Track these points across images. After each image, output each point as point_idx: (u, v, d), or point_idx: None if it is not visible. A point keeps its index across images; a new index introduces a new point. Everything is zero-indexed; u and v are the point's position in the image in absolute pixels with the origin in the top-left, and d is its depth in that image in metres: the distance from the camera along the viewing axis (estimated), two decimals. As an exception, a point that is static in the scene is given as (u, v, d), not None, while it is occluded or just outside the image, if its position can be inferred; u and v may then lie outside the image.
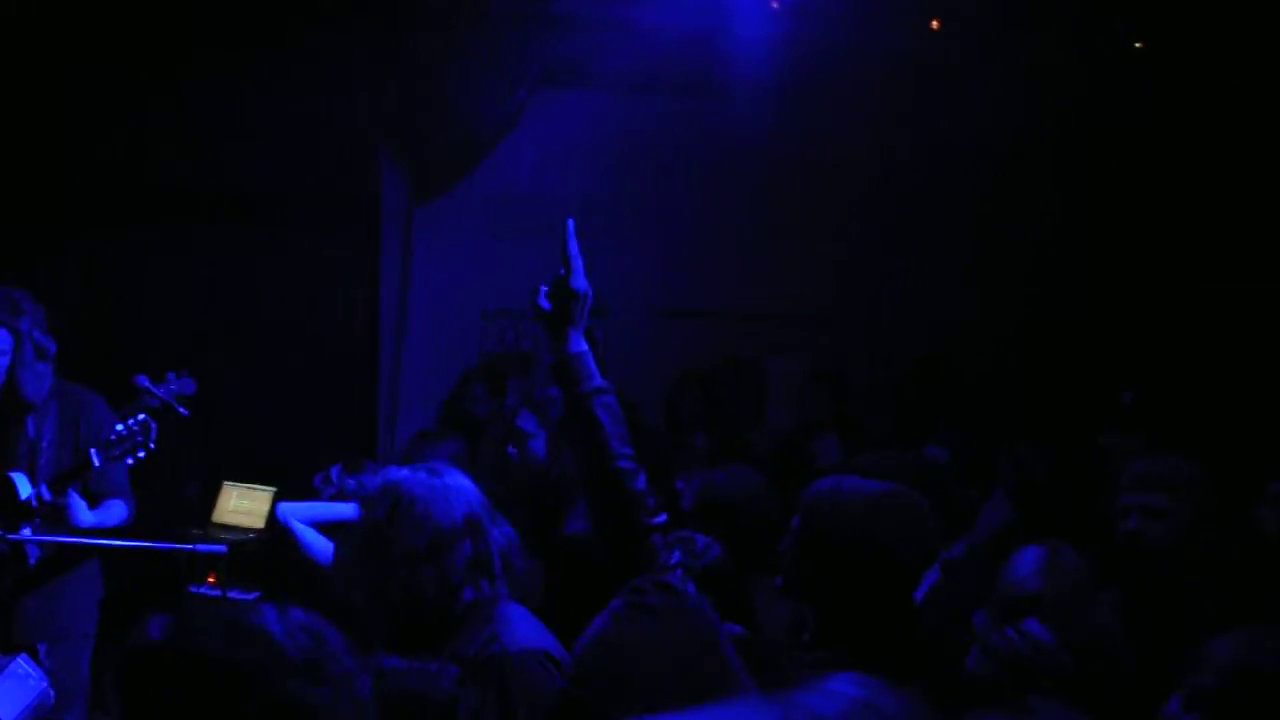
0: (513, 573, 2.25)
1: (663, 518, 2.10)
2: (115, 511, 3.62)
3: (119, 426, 3.26)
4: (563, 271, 2.14)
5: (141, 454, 3.26)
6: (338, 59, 5.07)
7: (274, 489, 4.59)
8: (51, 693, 2.83)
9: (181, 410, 3.59)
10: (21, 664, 2.73)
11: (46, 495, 3.29)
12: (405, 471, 2.25)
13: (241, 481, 4.67)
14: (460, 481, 2.20)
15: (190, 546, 3.82)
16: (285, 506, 4.04)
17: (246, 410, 4.80)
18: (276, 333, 5.18)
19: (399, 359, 5.38)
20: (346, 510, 3.95)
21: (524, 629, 2.16)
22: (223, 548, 3.67)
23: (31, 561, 3.40)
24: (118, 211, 5.08)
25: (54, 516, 3.33)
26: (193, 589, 4.49)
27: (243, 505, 4.66)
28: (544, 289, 2.15)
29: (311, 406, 5.09)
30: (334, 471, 4.37)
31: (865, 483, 2.08)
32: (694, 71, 5.53)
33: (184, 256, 5.19)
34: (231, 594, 4.44)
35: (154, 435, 3.26)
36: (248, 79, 5.04)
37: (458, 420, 4.98)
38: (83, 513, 3.48)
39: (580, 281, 2.15)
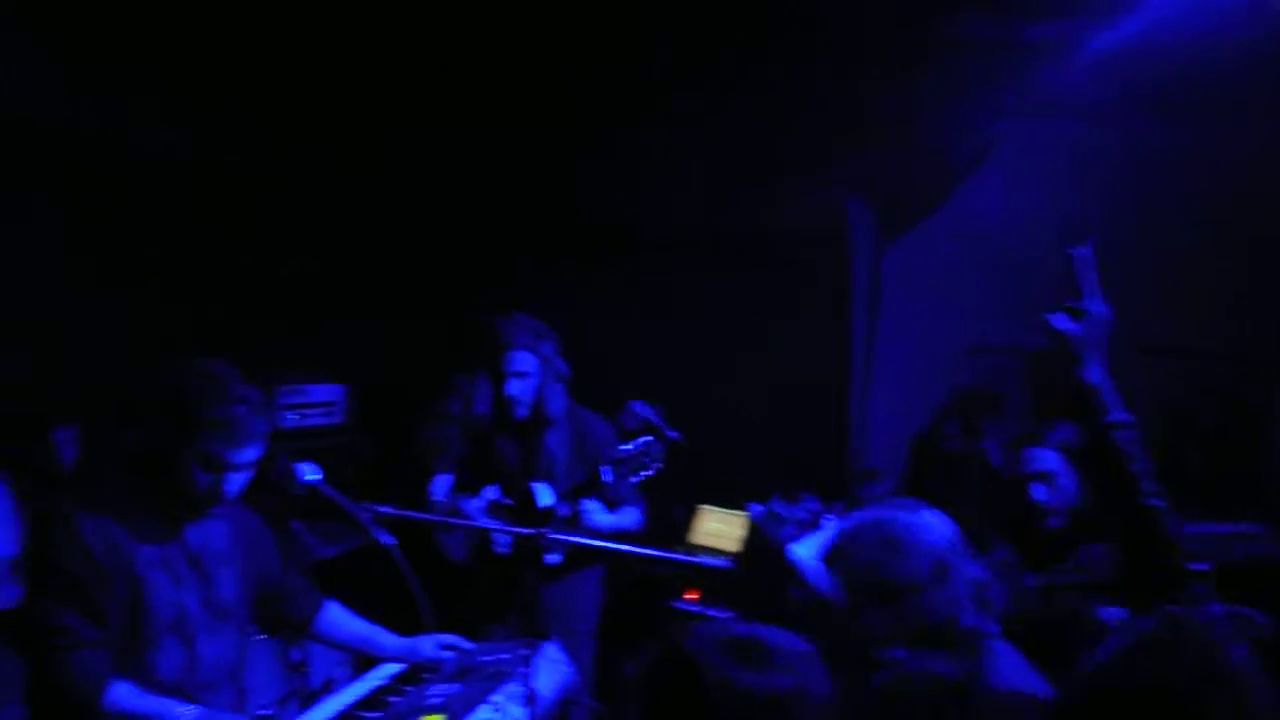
0: (993, 608, 2.24)
1: (1205, 566, 1.97)
2: (630, 516, 3.98)
3: (628, 446, 3.53)
4: (1075, 299, 2.09)
5: (648, 473, 3.55)
6: (804, 93, 5.28)
7: (749, 515, 4.86)
8: (578, 679, 3.20)
9: (672, 434, 3.87)
10: (553, 650, 3.12)
11: (564, 508, 3.70)
12: (879, 510, 2.29)
13: (718, 506, 5.01)
14: (940, 515, 2.22)
15: (700, 560, 4.13)
16: (796, 549, 4.27)
17: (722, 440, 5.11)
18: (751, 367, 5.47)
19: (867, 395, 5.47)
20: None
21: (1012, 669, 2.13)
22: (727, 563, 3.91)
23: (551, 562, 3.83)
24: (612, 251, 5.64)
25: (571, 524, 3.72)
26: (675, 604, 4.87)
27: (718, 529, 4.99)
28: (1053, 316, 2.11)
29: (783, 440, 5.31)
30: (777, 506, 4.55)
31: None
32: (1179, 93, 5.12)
33: (665, 295, 5.64)
34: (710, 611, 4.77)
35: (659, 455, 3.55)
36: (715, 120, 5.40)
37: (928, 458, 4.97)
38: (599, 515, 3.86)
39: (1099, 306, 2.08)
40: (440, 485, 4.05)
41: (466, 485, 4.04)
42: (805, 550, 4.01)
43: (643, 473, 3.48)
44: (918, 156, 5.38)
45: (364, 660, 3.70)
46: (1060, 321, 2.10)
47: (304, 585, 3.05)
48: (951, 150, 5.34)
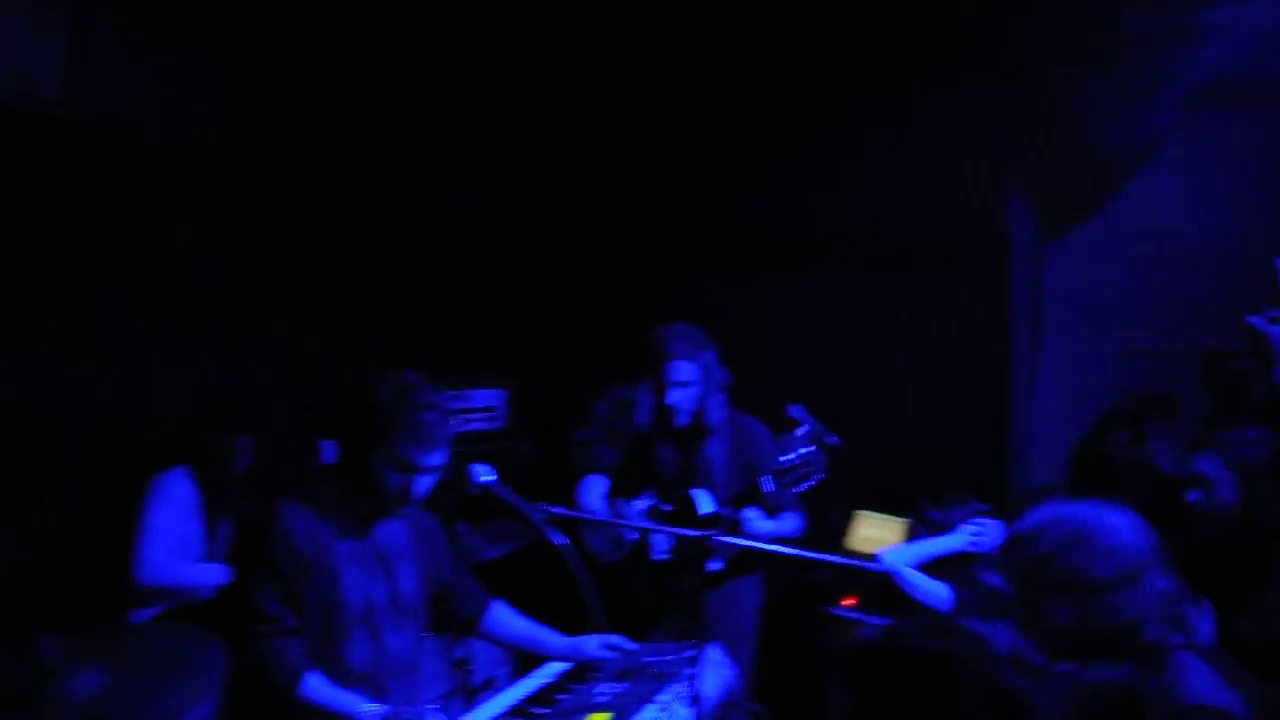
0: (1182, 622, 2.16)
1: None
2: (790, 522, 3.97)
3: (789, 456, 3.52)
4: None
5: (810, 483, 3.54)
6: (964, 97, 5.19)
7: (906, 521, 4.79)
8: (739, 681, 3.22)
9: (831, 439, 3.84)
10: (716, 652, 3.14)
11: (728, 513, 3.71)
12: (1069, 505, 2.24)
13: (875, 511, 4.95)
14: (1136, 520, 2.15)
15: (860, 563, 4.10)
16: (888, 553, 4.22)
17: (880, 445, 5.05)
18: (909, 372, 5.39)
19: (1030, 399, 5.33)
20: (951, 543, 4.05)
21: (1203, 683, 2.05)
22: (888, 568, 3.87)
23: (713, 568, 3.86)
24: (771, 257, 5.64)
25: (731, 531, 3.73)
26: (831, 610, 4.83)
27: (874, 534, 4.92)
28: (1254, 318, 2.04)
29: (943, 445, 5.22)
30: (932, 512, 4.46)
31: None
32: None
33: (824, 300, 5.61)
34: (867, 618, 4.71)
35: (821, 465, 3.53)
36: (876, 123, 5.35)
37: (1093, 463, 4.79)
38: (759, 522, 3.86)
39: None
40: (593, 491, 4.11)
41: (623, 491, 4.09)
42: (898, 557, 3.96)
43: (805, 483, 3.47)
44: (1082, 155, 5.22)
45: (524, 660, 3.79)
46: (1261, 324, 2.02)
47: (473, 585, 3.16)
48: (1117, 147, 5.15)
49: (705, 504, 3.84)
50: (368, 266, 5.42)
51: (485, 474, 2.77)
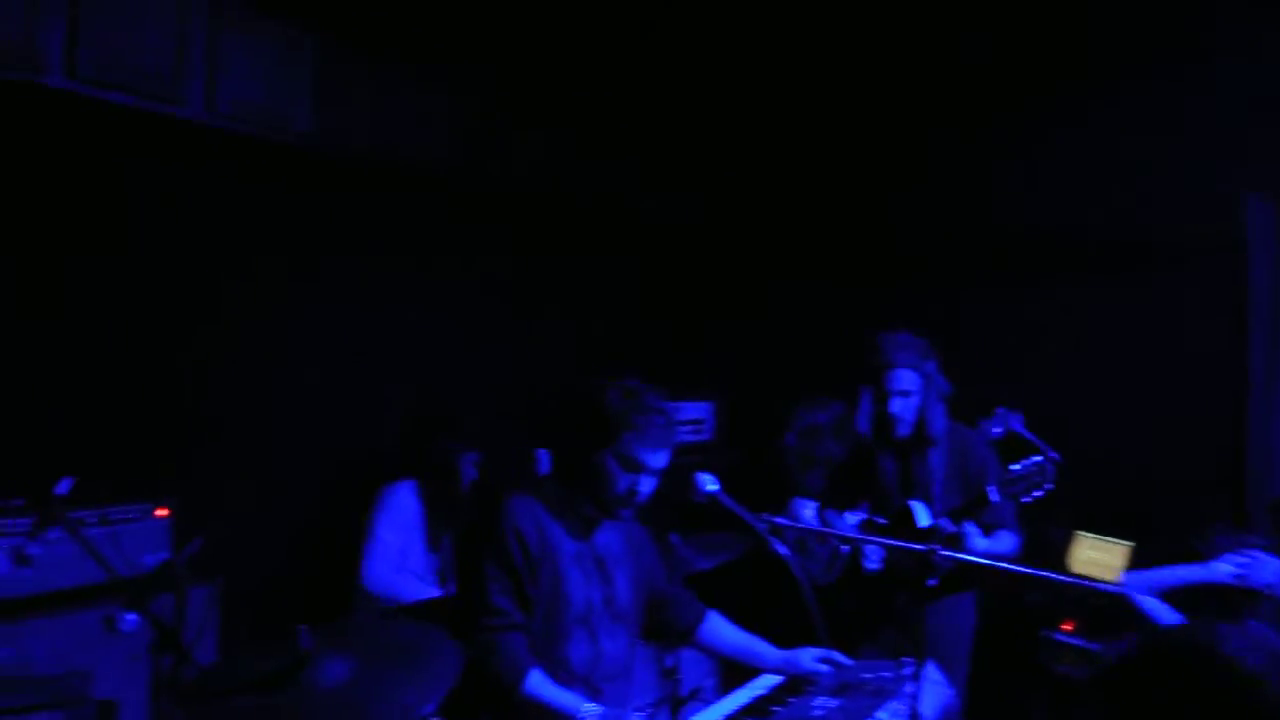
0: None
1: None
2: (1007, 541, 3.82)
3: (1018, 466, 3.43)
4: None
5: (1038, 494, 3.40)
6: (1198, 86, 4.91)
7: (1129, 544, 4.53)
8: (957, 702, 3.12)
9: (1052, 454, 3.68)
10: (934, 671, 3.05)
11: (947, 526, 3.61)
12: None
13: (1096, 533, 4.70)
14: None
15: (1099, 586, 3.92)
16: (1131, 578, 3.98)
17: (1102, 460, 4.81)
18: (1136, 382, 5.10)
19: (1269, 408, 4.95)
20: (1205, 574, 3.77)
21: None
22: (1131, 593, 3.69)
23: (930, 583, 3.75)
24: (981, 263, 5.46)
25: (950, 545, 3.62)
26: (1050, 634, 4.63)
27: (1094, 557, 4.68)
28: None
29: (1172, 459, 4.92)
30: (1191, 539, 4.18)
31: None
32: None
33: (1044, 306, 5.38)
34: (1088, 644, 4.49)
35: (1050, 475, 3.40)
36: (1104, 120, 5.12)
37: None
38: (977, 540, 3.74)
39: None
40: (802, 512, 4.08)
41: (836, 503, 4.04)
42: (1141, 583, 3.69)
43: (1033, 493, 3.34)
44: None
45: (731, 673, 3.80)
46: None
47: (688, 595, 3.20)
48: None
49: (923, 517, 3.75)
50: (580, 283, 5.58)
51: (710, 483, 2.81)
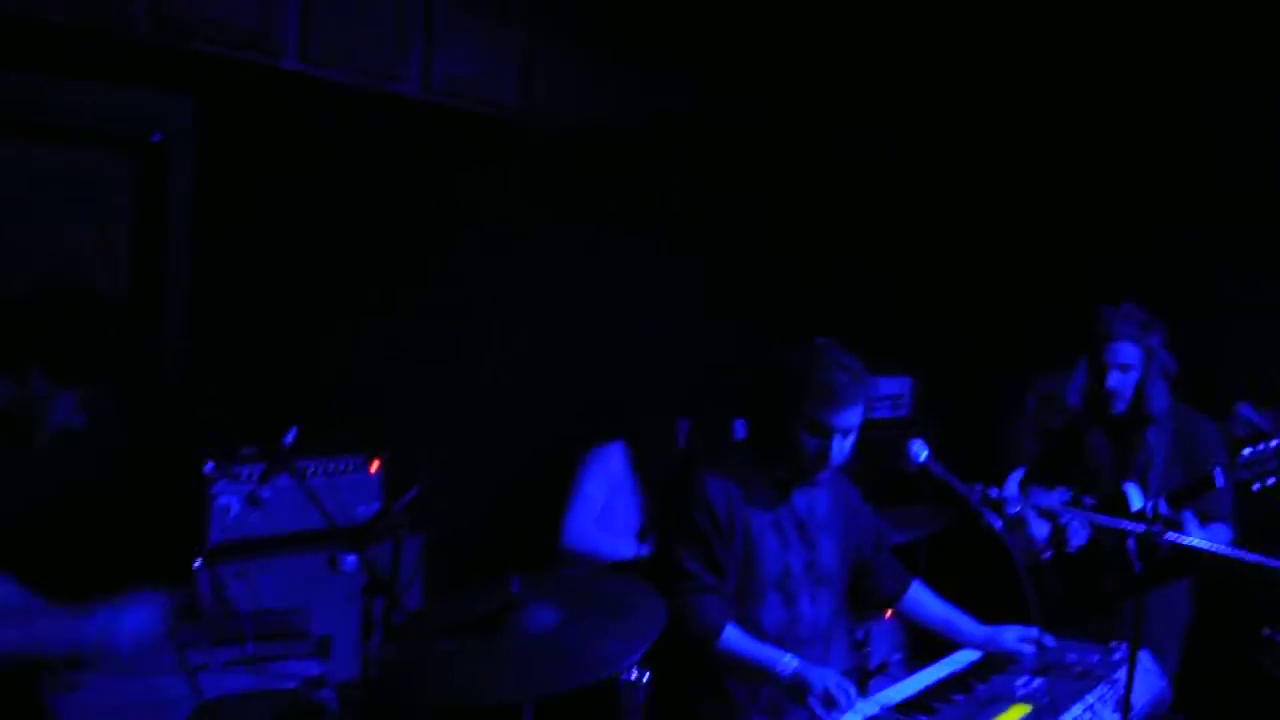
0: None
1: None
2: (1220, 534, 3.60)
3: (1248, 451, 3.22)
4: None
5: (1269, 481, 3.18)
6: None
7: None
8: (1169, 692, 2.98)
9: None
10: (1147, 659, 2.92)
11: (1164, 509, 3.40)
12: None
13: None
14: None
15: None
16: None
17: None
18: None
19: None
20: None
21: None
22: None
23: (1136, 570, 3.57)
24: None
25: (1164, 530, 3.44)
26: (1271, 634, 4.34)
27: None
28: None
29: None
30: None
31: None
32: None
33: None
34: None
35: None
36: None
37: None
38: (1192, 531, 3.53)
39: None
40: (1011, 480, 3.94)
41: (1041, 480, 3.89)
42: None
43: (1267, 480, 3.12)
44: None
45: (921, 649, 3.73)
46: None
47: (894, 563, 3.16)
48: None
49: (1136, 500, 3.57)
50: (772, 258, 5.56)
51: (923, 451, 2.74)
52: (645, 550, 4.12)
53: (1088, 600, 3.61)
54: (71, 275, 3.68)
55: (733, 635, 2.73)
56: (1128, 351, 3.64)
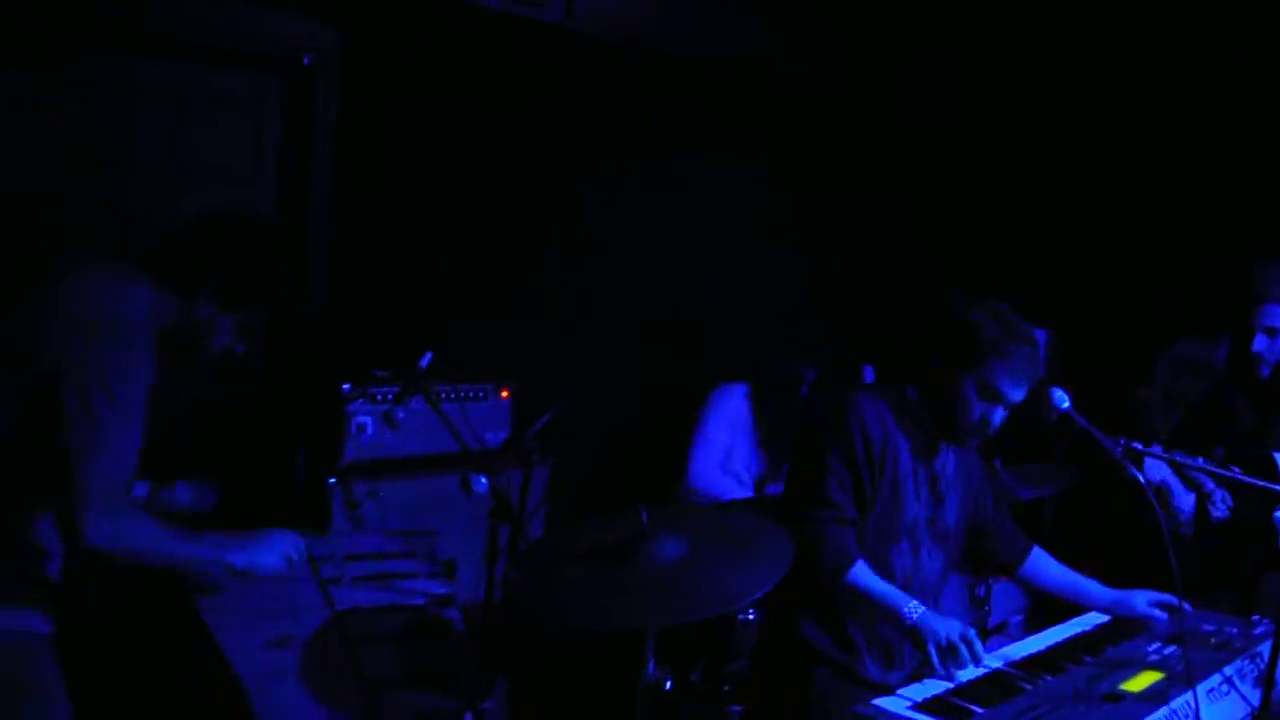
0: None
1: None
2: None
3: None
4: None
5: None
6: None
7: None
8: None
9: None
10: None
11: None
12: None
13: None
14: None
15: None
16: None
17: None
18: None
19: None
20: None
21: None
22: None
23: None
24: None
25: None
26: None
27: None
28: None
29: None
30: None
31: None
32: None
33: None
34: None
35: None
36: None
37: None
38: None
39: None
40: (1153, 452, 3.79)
41: (1185, 446, 3.73)
42: None
43: None
44: None
45: (1043, 611, 3.63)
46: None
47: (1012, 528, 3.09)
48: None
49: None
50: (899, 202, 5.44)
51: (1064, 400, 2.65)
52: (761, 496, 4.12)
53: (1229, 575, 3.47)
54: (235, 201, 3.81)
55: (863, 571, 2.69)
56: (1277, 314, 3.45)
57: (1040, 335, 5.29)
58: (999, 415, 2.70)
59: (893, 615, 2.62)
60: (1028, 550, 3.07)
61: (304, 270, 3.93)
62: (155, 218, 3.58)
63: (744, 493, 4.13)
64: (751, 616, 3.54)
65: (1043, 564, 3.07)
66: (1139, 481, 2.45)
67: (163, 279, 2.33)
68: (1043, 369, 5.25)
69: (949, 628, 2.54)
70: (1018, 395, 2.67)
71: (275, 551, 2.46)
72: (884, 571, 2.75)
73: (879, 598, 2.65)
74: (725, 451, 4.22)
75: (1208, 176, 5.20)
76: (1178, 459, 3.01)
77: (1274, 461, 3.44)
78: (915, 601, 2.63)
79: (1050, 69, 5.55)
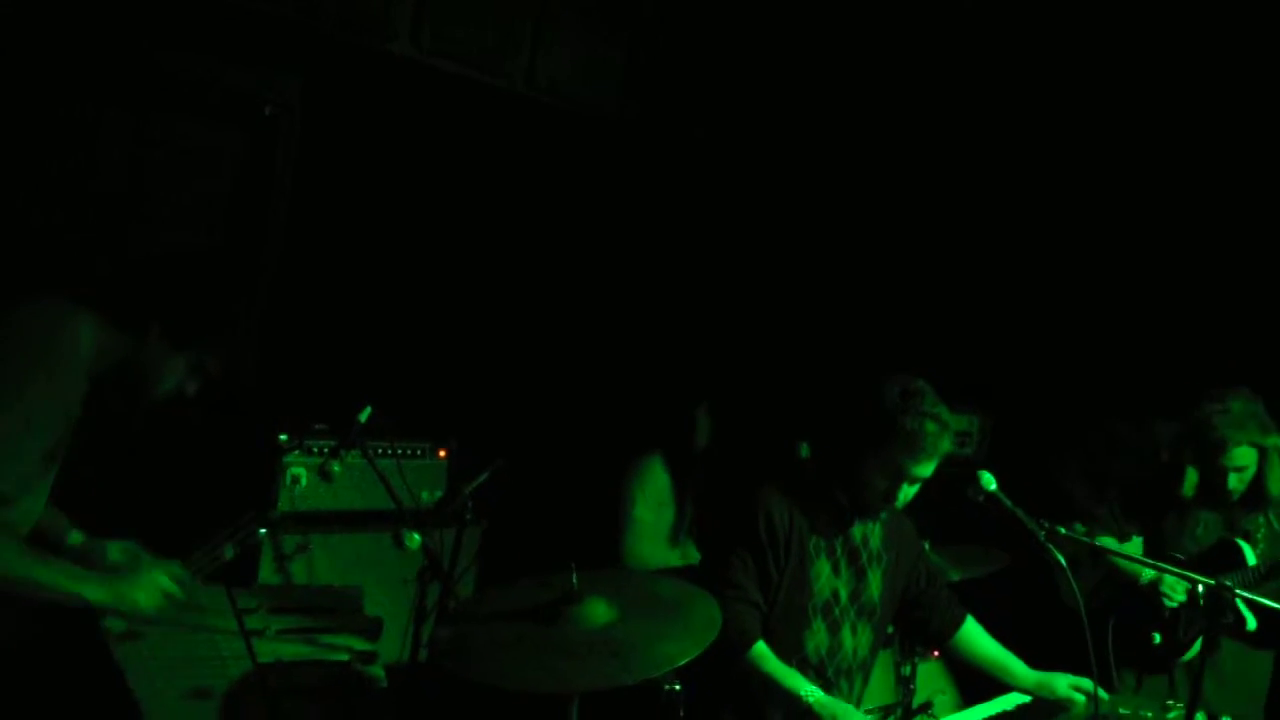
0: None
1: None
2: None
3: None
4: None
5: None
6: None
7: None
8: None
9: None
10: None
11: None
12: None
13: None
14: None
15: None
16: None
17: None
18: None
19: None
20: None
21: None
22: None
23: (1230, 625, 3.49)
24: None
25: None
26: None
27: None
28: None
29: None
30: None
31: None
32: None
33: None
34: None
35: None
36: None
37: None
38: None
39: None
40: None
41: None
42: None
43: None
44: None
45: (968, 690, 3.65)
46: None
47: (949, 597, 3.12)
48: None
49: (1251, 555, 3.51)
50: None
51: (991, 483, 2.70)
52: (686, 559, 4.12)
53: (1150, 658, 3.54)
54: (193, 241, 3.79)
55: (763, 651, 2.70)
56: (1245, 454, 3.57)
57: (973, 421, 5.44)
58: (905, 490, 2.73)
59: (789, 698, 2.62)
60: (961, 619, 3.10)
61: (252, 315, 3.93)
62: (111, 259, 3.58)
63: (672, 560, 4.14)
64: (679, 688, 3.52)
65: (974, 636, 3.10)
66: (1060, 563, 2.51)
67: (110, 313, 2.31)
68: (974, 448, 5.38)
69: (845, 714, 2.56)
70: (922, 471, 2.68)
71: (149, 589, 2.36)
72: (796, 652, 2.77)
73: (776, 679, 2.65)
74: (654, 527, 4.23)
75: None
76: (1096, 545, 3.08)
77: (1239, 549, 3.53)
78: (812, 686, 2.64)
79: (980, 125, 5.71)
